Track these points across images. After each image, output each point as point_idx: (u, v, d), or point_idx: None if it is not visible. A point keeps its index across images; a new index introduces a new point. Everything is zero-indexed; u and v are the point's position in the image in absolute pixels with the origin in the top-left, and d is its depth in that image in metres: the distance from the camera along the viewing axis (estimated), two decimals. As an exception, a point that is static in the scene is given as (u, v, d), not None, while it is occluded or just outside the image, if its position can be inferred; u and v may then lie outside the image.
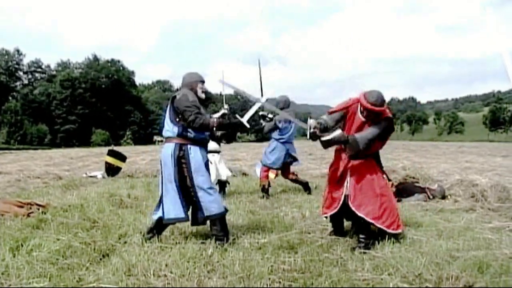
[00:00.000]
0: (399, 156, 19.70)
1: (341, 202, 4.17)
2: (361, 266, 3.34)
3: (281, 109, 7.62)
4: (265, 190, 7.39)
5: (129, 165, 13.30)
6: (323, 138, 3.99)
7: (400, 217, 5.35)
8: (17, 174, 11.47)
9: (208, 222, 4.16)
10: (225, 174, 7.57)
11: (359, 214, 4.03)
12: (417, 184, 7.86)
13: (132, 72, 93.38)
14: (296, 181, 7.93)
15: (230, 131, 4.48)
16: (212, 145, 6.31)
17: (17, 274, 3.06)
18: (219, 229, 4.04)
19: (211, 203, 4.03)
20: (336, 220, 4.43)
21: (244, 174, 11.86)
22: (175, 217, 4.06)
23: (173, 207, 4.04)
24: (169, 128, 4.10)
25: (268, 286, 2.96)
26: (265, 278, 3.03)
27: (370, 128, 4.06)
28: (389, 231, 4.05)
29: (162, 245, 3.90)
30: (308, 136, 4.08)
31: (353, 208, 4.06)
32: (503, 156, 20.82)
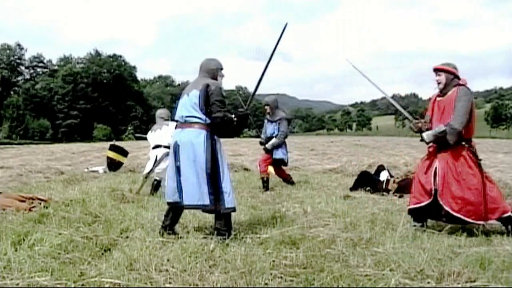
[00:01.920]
0: (401, 152, 19.68)
1: (431, 197, 4.30)
2: (363, 262, 3.33)
3: (275, 107, 7.74)
4: (265, 181, 7.58)
5: (130, 160, 13.33)
6: (428, 132, 4.32)
7: (402, 213, 5.36)
8: (19, 168, 11.50)
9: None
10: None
11: (447, 209, 4.17)
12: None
13: (134, 67, 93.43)
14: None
15: (241, 125, 4.33)
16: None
17: (19, 268, 3.06)
18: (223, 224, 4.02)
19: (232, 196, 4.05)
20: (421, 213, 4.47)
21: (246, 169, 11.87)
22: (196, 204, 4.02)
23: (195, 193, 3.99)
24: (198, 115, 4.03)
25: (270, 282, 2.96)
26: (267, 273, 3.03)
27: (455, 109, 4.20)
28: (471, 221, 4.18)
29: (164, 240, 3.90)
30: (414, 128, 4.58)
31: (441, 202, 4.21)
32: (505, 152, 20.77)
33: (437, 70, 4.41)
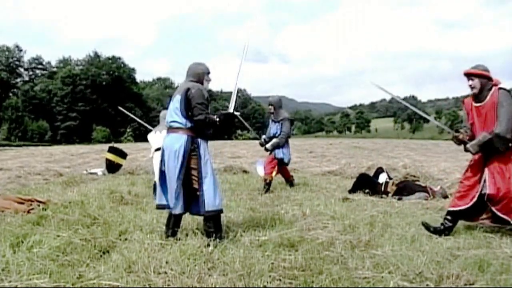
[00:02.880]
0: (400, 154, 19.67)
1: (475, 200, 4.27)
2: (362, 264, 3.34)
3: (279, 107, 7.77)
4: (267, 184, 7.65)
5: (129, 162, 13.30)
6: (472, 143, 4.20)
7: (401, 215, 5.36)
8: (17, 170, 11.49)
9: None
10: None
11: (497, 213, 4.18)
12: (417, 183, 7.86)
13: (133, 69, 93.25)
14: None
15: (227, 125, 4.35)
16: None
17: (18, 270, 3.06)
18: (212, 226, 4.04)
19: (215, 198, 4.04)
20: (456, 216, 4.43)
21: (245, 171, 11.85)
22: (164, 204, 4.17)
23: (163, 195, 4.18)
24: (179, 120, 4.07)
25: (268, 284, 2.96)
26: (266, 276, 3.03)
27: (498, 114, 4.10)
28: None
29: (163, 242, 3.90)
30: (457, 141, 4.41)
31: (493, 209, 4.20)
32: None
33: (469, 75, 4.26)
